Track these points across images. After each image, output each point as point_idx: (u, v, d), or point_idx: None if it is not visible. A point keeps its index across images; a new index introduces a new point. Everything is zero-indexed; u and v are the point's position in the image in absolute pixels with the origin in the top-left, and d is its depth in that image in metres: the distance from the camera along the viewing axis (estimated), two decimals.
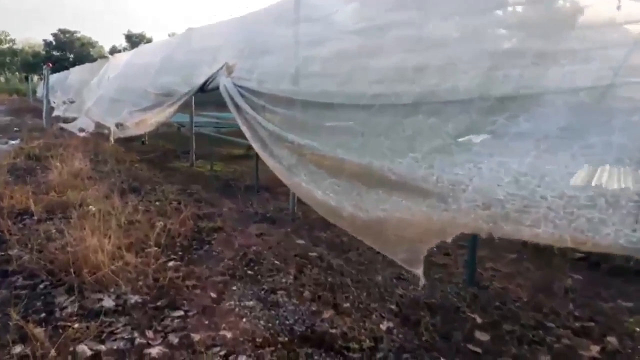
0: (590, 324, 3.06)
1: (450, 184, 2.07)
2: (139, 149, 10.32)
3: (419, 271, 2.50)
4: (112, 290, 3.25)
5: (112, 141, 8.55)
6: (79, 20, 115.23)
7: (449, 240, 2.21)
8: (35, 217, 4.87)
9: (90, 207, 5.12)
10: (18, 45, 63.00)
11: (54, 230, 4.45)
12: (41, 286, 3.34)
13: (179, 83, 7.30)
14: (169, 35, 57.50)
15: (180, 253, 4.05)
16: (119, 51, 59.94)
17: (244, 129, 4.26)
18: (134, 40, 61.78)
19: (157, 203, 5.74)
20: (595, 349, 2.77)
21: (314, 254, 4.10)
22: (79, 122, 13.05)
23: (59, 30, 59.49)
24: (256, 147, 3.98)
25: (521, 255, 4.25)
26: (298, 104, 3.74)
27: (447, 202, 2.07)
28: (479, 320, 2.98)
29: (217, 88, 6.09)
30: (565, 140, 1.94)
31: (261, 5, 5.65)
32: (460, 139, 2.20)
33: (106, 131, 8.69)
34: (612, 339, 2.89)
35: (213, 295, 3.27)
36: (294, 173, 3.23)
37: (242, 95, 4.49)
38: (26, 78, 44.23)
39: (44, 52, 58.90)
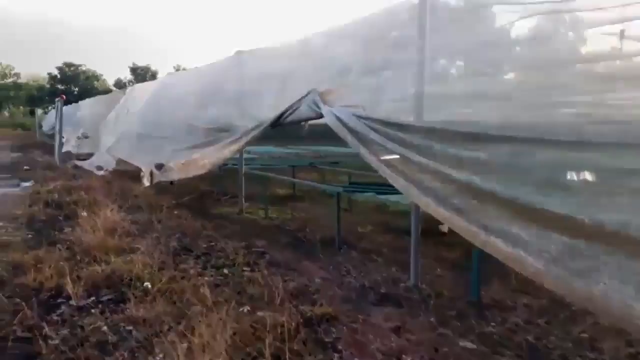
0: None
1: None
2: (170, 190, 8.94)
3: None
4: None
5: (147, 184, 7.19)
6: (82, 53, 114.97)
7: None
8: (74, 303, 3.47)
9: (146, 284, 3.73)
10: (22, 79, 62.31)
11: (105, 329, 3.05)
12: None
13: (236, 116, 6.03)
14: (175, 68, 56.93)
15: None
16: (124, 84, 59.19)
17: (392, 177, 2.90)
18: (139, 73, 61.02)
19: (226, 271, 4.35)
20: None
21: None
22: (96, 159, 11.80)
23: (64, 63, 58.86)
24: (423, 203, 2.61)
25: None
26: (503, 141, 2.40)
27: None
28: None
29: (299, 121, 4.83)
30: None
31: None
32: None
33: (142, 173, 7.33)
34: None
35: None
36: (550, 263, 1.83)
37: (375, 130, 3.15)
38: (32, 112, 43.40)
39: (48, 86, 58.21)
